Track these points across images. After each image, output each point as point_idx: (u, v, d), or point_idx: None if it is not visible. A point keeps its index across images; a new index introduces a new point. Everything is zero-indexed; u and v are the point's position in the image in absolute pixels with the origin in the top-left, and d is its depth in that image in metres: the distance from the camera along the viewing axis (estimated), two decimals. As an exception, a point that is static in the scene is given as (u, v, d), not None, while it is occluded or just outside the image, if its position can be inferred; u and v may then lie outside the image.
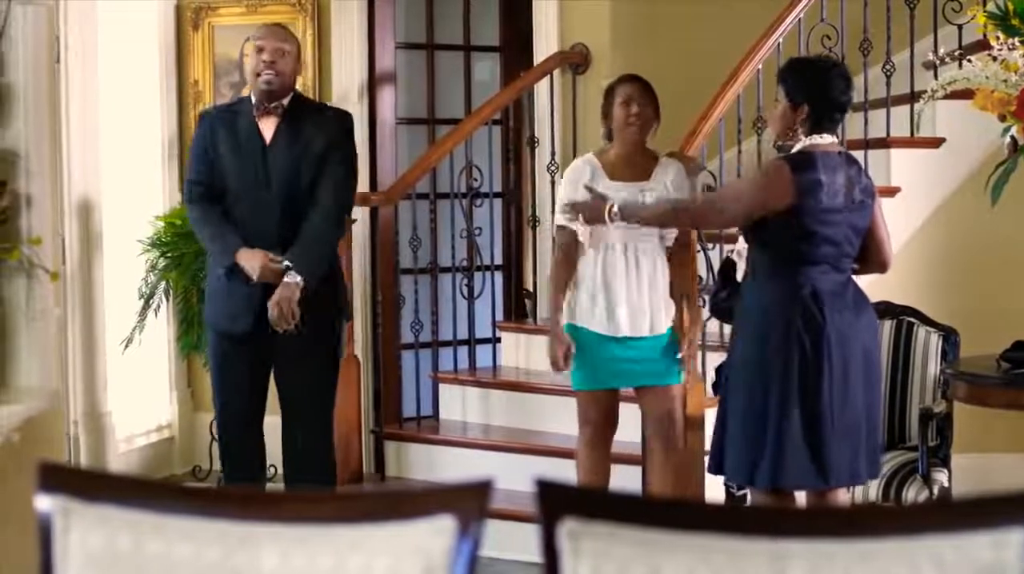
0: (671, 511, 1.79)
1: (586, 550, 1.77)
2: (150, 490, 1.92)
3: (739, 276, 4.51)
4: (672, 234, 4.97)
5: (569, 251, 5.01)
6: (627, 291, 4.90)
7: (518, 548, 5.03)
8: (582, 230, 5.02)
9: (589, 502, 1.80)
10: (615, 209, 4.67)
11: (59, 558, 1.92)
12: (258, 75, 4.77)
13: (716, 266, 5.62)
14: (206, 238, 4.83)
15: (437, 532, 1.82)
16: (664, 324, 4.94)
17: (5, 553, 4.56)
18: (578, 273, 4.97)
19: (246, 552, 1.85)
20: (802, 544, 1.73)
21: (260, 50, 4.77)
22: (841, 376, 4.21)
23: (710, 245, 5.67)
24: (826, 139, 4.32)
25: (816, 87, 4.29)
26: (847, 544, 1.72)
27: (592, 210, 4.75)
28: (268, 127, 4.80)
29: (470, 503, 1.83)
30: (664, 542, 1.75)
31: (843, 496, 4.42)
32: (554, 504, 1.79)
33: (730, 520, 1.76)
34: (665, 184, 4.93)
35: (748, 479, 4.33)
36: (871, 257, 4.47)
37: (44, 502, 1.93)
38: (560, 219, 5.02)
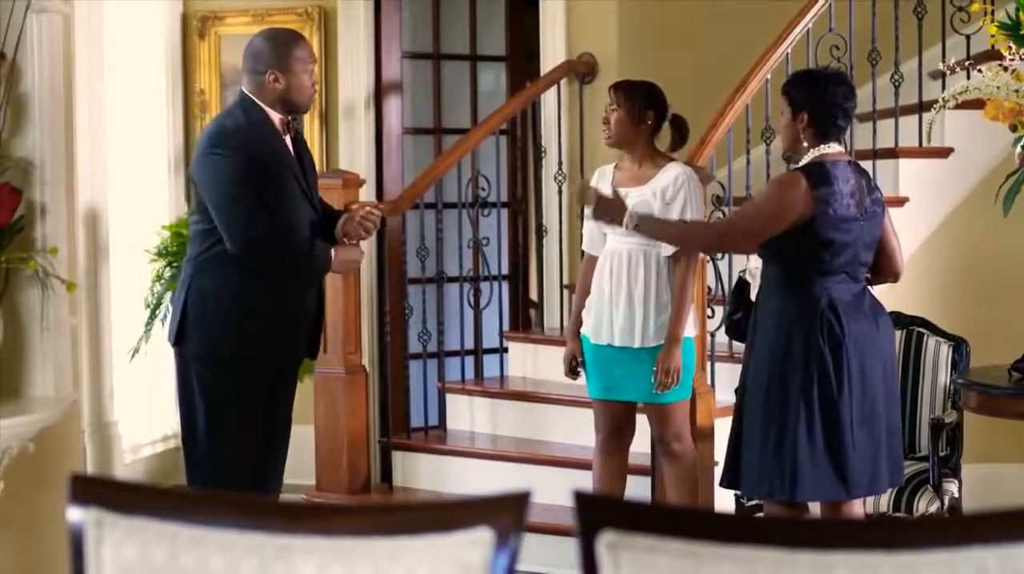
0: (712, 523, 1.78)
1: (626, 562, 1.76)
2: (186, 502, 1.91)
3: (753, 295, 4.50)
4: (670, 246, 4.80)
5: (590, 260, 5.03)
6: (612, 301, 4.85)
7: (528, 559, 5.02)
8: (586, 239, 5.05)
9: (628, 514, 1.79)
10: (627, 216, 4.49)
11: (91, 570, 1.91)
12: (311, 92, 4.52)
13: (723, 274, 5.63)
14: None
15: (474, 544, 1.81)
16: (658, 337, 4.80)
17: (25, 561, 4.55)
18: None
19: (282, 564, 1.84)
20: (845, 555, 1.72)
21: (309, 63, 4.51)
22: (860, 386, 4.21)
23: (719, 255, 5.67)
24: (833, 148, 4.33)
25: (815, 94, 4.31)
26: (890, 555, 1.71)
27: (604, 209, 4.51)
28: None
29: (508, 515, 1.82)
30: (705, 554, 1.74)
31: (858, 507, 4.41)
32: (593, 516, 1.78)
33: (772, 532, 1.75)
34: (654, 191, 4.80)
35: (768, 493, 4.32)
36: (884, 267, 4.48)
37: (76, 513, 1.91)
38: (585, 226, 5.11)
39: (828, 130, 4.31)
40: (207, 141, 4.39)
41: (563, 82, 6.70)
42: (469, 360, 6.48)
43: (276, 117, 4.45)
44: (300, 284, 4.50)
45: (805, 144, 4.33)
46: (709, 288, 5.49)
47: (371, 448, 6.20)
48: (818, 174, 4.25)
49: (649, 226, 4.58)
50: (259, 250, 4.32)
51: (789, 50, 5.70)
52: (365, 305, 6.49)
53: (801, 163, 4.38)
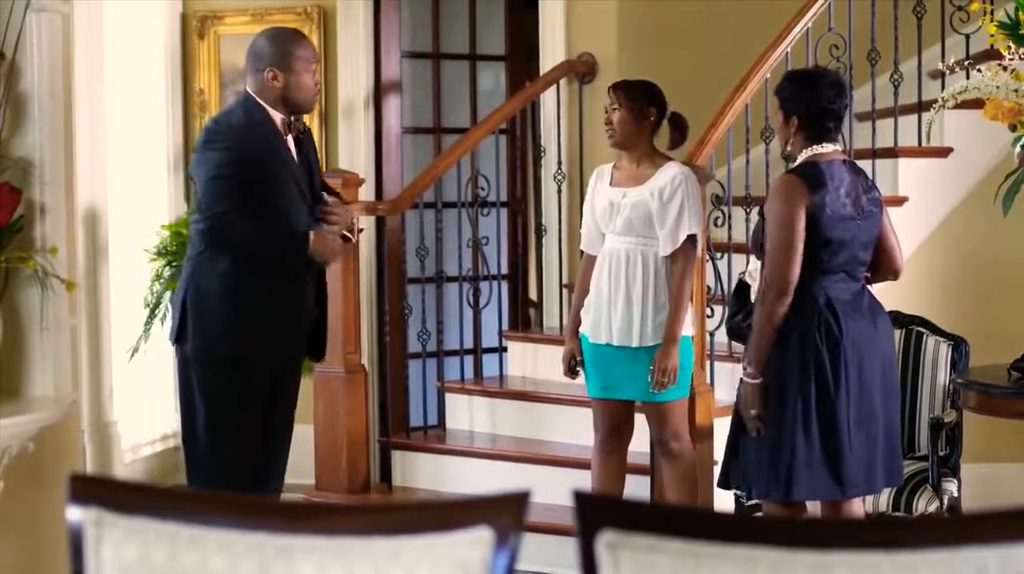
0: (712, 523, 1.78)
1: (625, 561, 1.76)
2: (186, 502, 1.91)
3: (753, 297, 4.50)
4: (670, 246, 4.81)
5: (589, 260, 5.03)
6: (611, 300, 4.86)
7: (528, 558, 5.01)
8: (585, 238, 5.06)
9: (628, 514, 1.79)
10: (744, 381, 4.30)
11: (91, 570, 1.91)
12: (313, 91, 4.50)
13: (722, 274, 5.63)
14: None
15: (474, 543, 1.81)
16: (656, 337, 4.81)
17: (25, 561, 4.55)
18: None
19: (283, 564, 1.84)
20: (845, 555, 1.72)
21: (312, 62, 4.49)
22: (857, 386, 4.22)
23: (718, 254, 5.67)
24: (827, 148, 4.34)
25: (803, 98, 4.32)
26: (890, 555, 1.71)
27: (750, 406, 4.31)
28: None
29: (507, 514, 1.82)
30: (705, 553, 1.74)
31: (857, 506, 4.41)
32: (592, 516, 1.78)
33: (772, 531, 1.75)
34: (651, 191, 4.82)
35: (765, 492, 4.32)
36: (883, 265, 4.49)
37: (75, 513, 1.91)
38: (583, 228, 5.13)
39: (819, 133, 4.33)
40: (204, 137, 4.40)
41: (563, 82, 6.70)
42: (468, 360, 6.48)
43: (278, 117, 4.42)
44: (300, 283, 4.49)
45: (798, 146, 4.35)
46: (708, 287, 5.49)
47: (370, 448, 6.20)
48: (812, 174, 4.26)
49: (750, 352, 4.34)
50: (220, 233, 4.28)
51: (788, 50, 5.70)
52: (365, 305, 6.49)
53: (795, 164, 4.40)
